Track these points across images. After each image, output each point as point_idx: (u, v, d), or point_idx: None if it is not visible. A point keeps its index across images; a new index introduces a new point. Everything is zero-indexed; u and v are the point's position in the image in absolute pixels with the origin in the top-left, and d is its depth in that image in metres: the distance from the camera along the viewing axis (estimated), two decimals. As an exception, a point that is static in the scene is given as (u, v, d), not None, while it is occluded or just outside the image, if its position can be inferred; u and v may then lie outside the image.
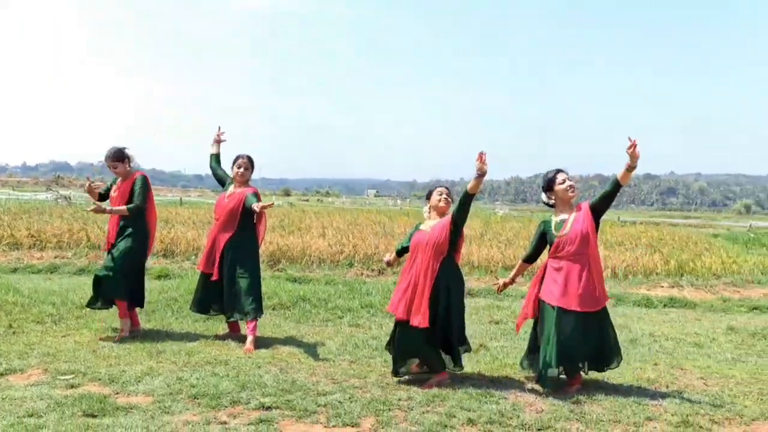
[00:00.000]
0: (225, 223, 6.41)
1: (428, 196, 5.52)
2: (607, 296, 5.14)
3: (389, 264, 5.61)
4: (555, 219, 5.26)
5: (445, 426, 4.21)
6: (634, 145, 4.82)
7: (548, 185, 5.28)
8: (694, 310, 9.66)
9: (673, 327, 8.07)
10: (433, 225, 5.27)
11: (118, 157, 6.42)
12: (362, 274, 12.07)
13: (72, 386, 4.74)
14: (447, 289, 5.13)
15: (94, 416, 4.15)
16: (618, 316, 8.82)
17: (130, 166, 6.48)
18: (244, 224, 6.40)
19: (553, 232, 5.18)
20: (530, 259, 5.50)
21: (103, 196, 6.62)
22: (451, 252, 5.22)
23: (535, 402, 4.74)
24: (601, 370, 5.21)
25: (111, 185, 6.63)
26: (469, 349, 5.46)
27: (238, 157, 6.51)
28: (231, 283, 6.35)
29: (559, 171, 5.27)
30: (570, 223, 5.12)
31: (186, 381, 4.90)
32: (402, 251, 5.59)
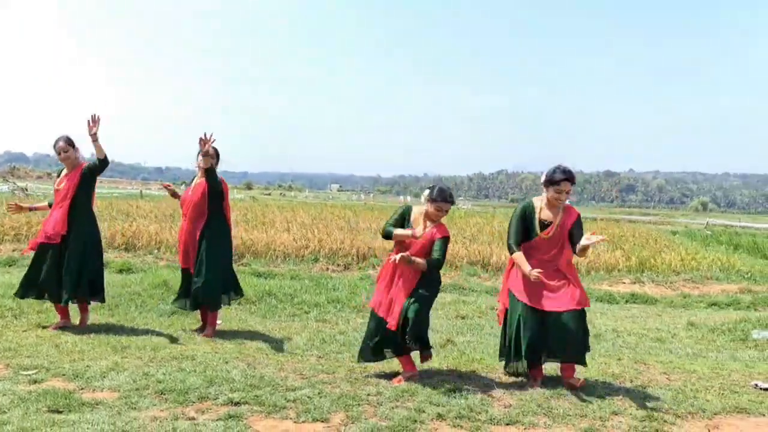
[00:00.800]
0: (193, 216, 6.42)
1: (432, 196, 5.12)
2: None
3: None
4: (539, 215, 5.13)
5: (415, 421, 4.22)
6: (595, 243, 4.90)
7: (549, 182, 5.10)
8: (655, 305, 9.86)
9: (635, 322, 8.22)
10: (424, 233, 5.12)
11: (71, 142, 6.29)
12: (327, 269, 12.07)
13: (35, 381, 4.64)
14: (420, 290, 5.10)
15: (59, 412, 4.07)
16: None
17: (77, 155, 6.34)
18: (214, 213, 6.41)
19: (537, 230, 5.10)
20: (520, 245, 5.17)
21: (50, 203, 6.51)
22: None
23: (503, 397, 4.78)
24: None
25: (56, 179, 6.47)
26: (427, 354, 5.32)
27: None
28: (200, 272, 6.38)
29: (565, 179, 5.05)
30: (556, 225, 5.08)
31: (152, 376, 4.84)
32: (389, 234, 5.25)
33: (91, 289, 6.42)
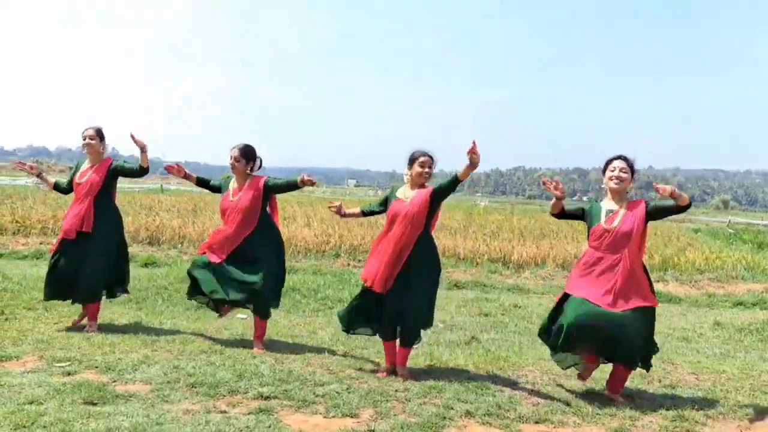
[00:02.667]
0: (239, 222, 5.73)
1: (411, 162, 5.17)
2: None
3: (340, 212, 5.54)
4: (604, 206, 4.85)
5: (444, 418, 4.23)
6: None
7: (603, 169, 4.89)
8: (680, 305, 9.80)
9: (660, 321, 8.12)
10: (412, 196, 5.10)
11: (102, 133, 6.11)
12: (349, 264, 12.11)
13: (69, 373, 4.70)
14: (419, 265, 5.06)
15: (94, 404, 4.13)
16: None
17: (103, 148, 6.13)
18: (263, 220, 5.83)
19: (602, 219, 4.78)
20: (561, 211, 5.01)
21: (60, 187, 6.30)
22: (427, 226, 5.12)
23: (532, 395, 4.79)
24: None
25: (74, 172, 6.16)
26: (419, 340, 5.33)
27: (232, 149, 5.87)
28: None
29: (615, 158, 4.83)
30: (620, 216, 4.74)
31: (183, 370, 4.89)
32: (368, 213, 5.60)
33: (117, 284, 6.27)
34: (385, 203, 5.38)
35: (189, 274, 5.95)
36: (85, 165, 6.12)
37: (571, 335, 4.64)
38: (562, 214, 5.03)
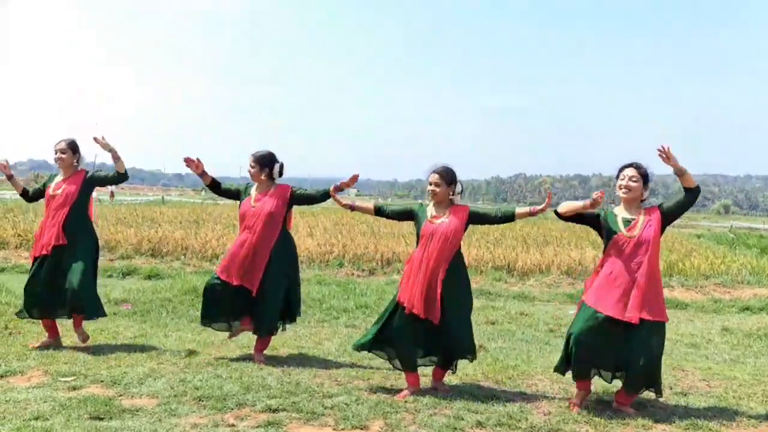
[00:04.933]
0: (261, 230, 5.56)
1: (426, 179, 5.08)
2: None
3: (351, 207, 5.41)
4: (619, 214, 4.71)
5: (455, 428, 4.18)
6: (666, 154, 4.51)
7: (617, 177, 4.76)
8: (686, 310, 9.75)
9: (667, 328, 8.09)
10: (449, 216, 4.94)
11: (74, 146, 5.92)
12: (353, 274, 12.07)
13: (74, 388, 4.66)
14: (455, 286, 4.91)
15: (100, 419, 4.08)
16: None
17: (76, 160, 5.93)
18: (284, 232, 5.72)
19: (618, 227, 4.63)
20: (562, 212, 4.78)
21: (27, 193, 6.13)
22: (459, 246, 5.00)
23: (543, 404, 4.73)
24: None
25: (46, 184, 5.99)
26: (473, 358, 5.17)
27: (250, 156, 5.74)
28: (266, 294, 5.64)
29: (626, 166, 4.73)
30: (640, 224, 4.62)
31: (189, 383, 4.84)
32: (381, 213, 5.30)
33: (87, 303, 5.86)
34: (407, 217, 5.20)
35: (206, 298, 5.72)
36: (59, 178, 5.94)
37: (580, 344, 4.55)
38: (572, 217, 4.80)
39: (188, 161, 5.70)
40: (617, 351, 4.59)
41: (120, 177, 5.91)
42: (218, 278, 5.63)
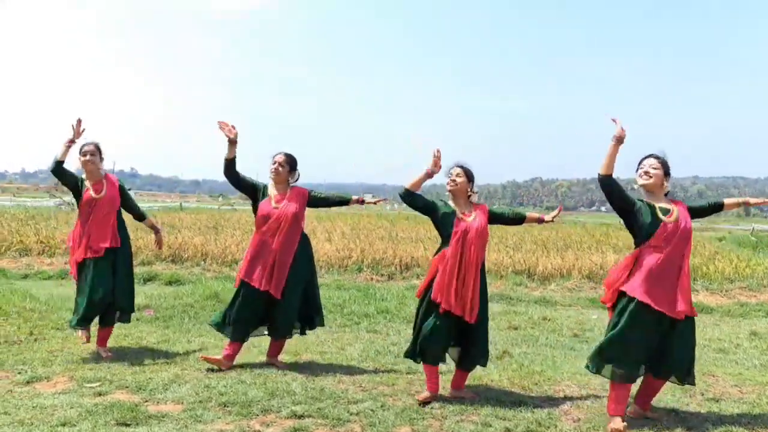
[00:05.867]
0: (282, 233, 5.51)
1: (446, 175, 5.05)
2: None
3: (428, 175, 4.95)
4: (656, 204, 4.45)
5: (483, 435, 4.14)
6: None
7: (637, 170, 4.58)
8: (712, 314, 9.61)
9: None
10: (476, 214, 4.91)
11: (101, 149, 5.87)
12: (372, 279, 12.02)
13: (100, 394, 4.66)
14: (481, 286, 4.89)
15: (127, 425, 4.08)
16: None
17: (101, 165, 5.89)
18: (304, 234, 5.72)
19: (660, 216, 4.37)
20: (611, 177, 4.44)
21: (62, 165, 5.72)
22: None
23: (571, 410, 4.66)
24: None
25: (79, 183, 5.83)
26: (485, 363, 5.10)
27: (276, 154, 5.69)
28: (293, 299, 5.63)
29: (646, 157, 4.55)
30: (676, 213, 4.41)
31: (214, 388, 4.83)
32: (412, 195, 4.93)
33: (130, 306, 6.05)
34: (431, 209, 4.99)
35: (234, 306, 5.60)
36: (89, 182, 5.83)
37: (631, 342, 4.31)
38: (614, 182, 4.43)
39: (222, 124, 5.47)
40: (657, 345, 4.40)
41: (138, 218, 6.16)
42: (246, 284, 5.53)
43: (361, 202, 5.86)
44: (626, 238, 19.19)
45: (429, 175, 4.94)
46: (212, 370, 5.39)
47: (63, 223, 16.35)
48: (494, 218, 5.03)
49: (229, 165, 5.53)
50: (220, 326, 5.66)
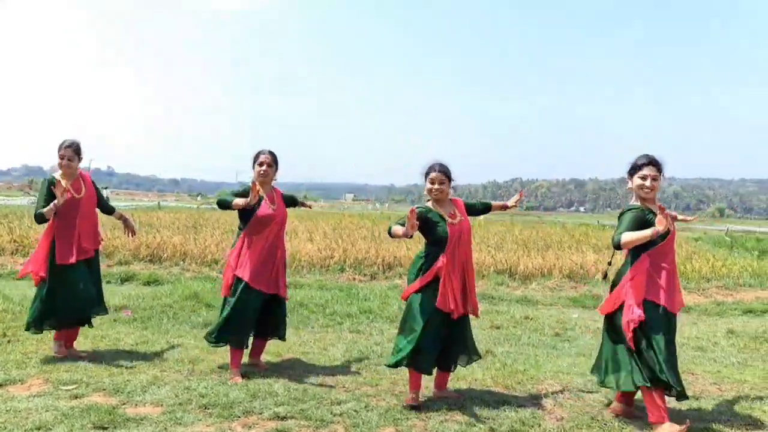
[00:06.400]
0: (279, 234, 5.53)
1: (425, 176, 4.85)
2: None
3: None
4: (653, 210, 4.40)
5: (467, 435, 4.11)
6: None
7: (631, 171, 4.53)
8: (689, 313, 9.67)
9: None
10: (458, 213, 4.85)
11: (79, 151, 5.71)
12: (354, 278, 11.96)
13: (76, 397, 4.57)
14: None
15: (105, 428, 3.99)
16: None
17: (78, 165, 5.75)
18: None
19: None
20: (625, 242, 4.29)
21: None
22: None
23: (554, 409, 4.65)
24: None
25: (50, 186, 5.51)
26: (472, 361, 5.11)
27: (259, 153, 5.48)
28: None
29: (645, 164, 4.45)
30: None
31: (194, 390, 4.75)
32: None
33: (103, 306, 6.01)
34: (423, 224, 4.71)
35: (235, 312, 5.32)
36: (66, 182, 5.61)
37: (670, 346, 4.30)
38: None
39: (255, 191, 5.20)
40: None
41: (109, 212, 6.10)
42: (249, 289, 5.29)
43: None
44: (605, 238, 19.32)
45: (406, 235, 4.53)
46: (192, 371, 5.31)
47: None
48: (469, 211, 5.04)
49: (228, 207, 5.33)
50: (218, 338, 5.35)
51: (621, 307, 4.40)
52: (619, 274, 4.54)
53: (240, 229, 5.44)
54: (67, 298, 5.58)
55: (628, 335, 4.30)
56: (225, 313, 5.32)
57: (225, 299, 5.39)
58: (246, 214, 5.35)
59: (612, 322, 4.51)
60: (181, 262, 12.32)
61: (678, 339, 7.28)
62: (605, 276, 4.89)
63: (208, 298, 8.37)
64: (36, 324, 5.64)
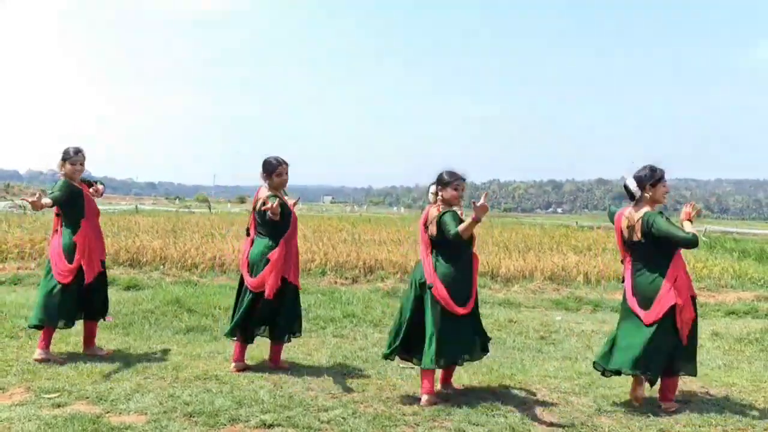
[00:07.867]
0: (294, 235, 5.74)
1: (443, 183, 5.10)
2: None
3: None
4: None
5: (457, 441, 4.08)
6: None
7: (655, 181, 4.96)
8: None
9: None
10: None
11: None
12: (336, 282, 11.88)
13: (59, 405, 4.47)
14: None
15: (89, 438, 3.91)
16: (599, 322, 8.83)
17: None
18: None
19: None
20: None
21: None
22: None
23: (544, 415, 4.64)
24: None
25: (77, 189, 5.79)
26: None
27: (279, 164, 5.62)
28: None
29: (663, 174, 5.05)
30: None
31: (179, 398, 4.67)
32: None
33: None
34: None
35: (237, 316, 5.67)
36: (78, 182, 5.88)
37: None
38: None
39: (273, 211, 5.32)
40: None
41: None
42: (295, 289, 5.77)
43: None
44: (585, 239, 19.41)
45: (477, 220, 4.90)
46: (176, 378, 5.23)
47: (15, 227, 15.87)
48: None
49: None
50: (233, 331, 5.66)
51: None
52: (647, 281, 4.87)
53: (271, 236, 5.58)
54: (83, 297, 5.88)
55: (685, 332, 4.86)
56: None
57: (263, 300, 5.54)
58: (285, 220, 5.54)
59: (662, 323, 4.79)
60: (161, 267, 12.17)
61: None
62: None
63: (190, 303, 8.26)
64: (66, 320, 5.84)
